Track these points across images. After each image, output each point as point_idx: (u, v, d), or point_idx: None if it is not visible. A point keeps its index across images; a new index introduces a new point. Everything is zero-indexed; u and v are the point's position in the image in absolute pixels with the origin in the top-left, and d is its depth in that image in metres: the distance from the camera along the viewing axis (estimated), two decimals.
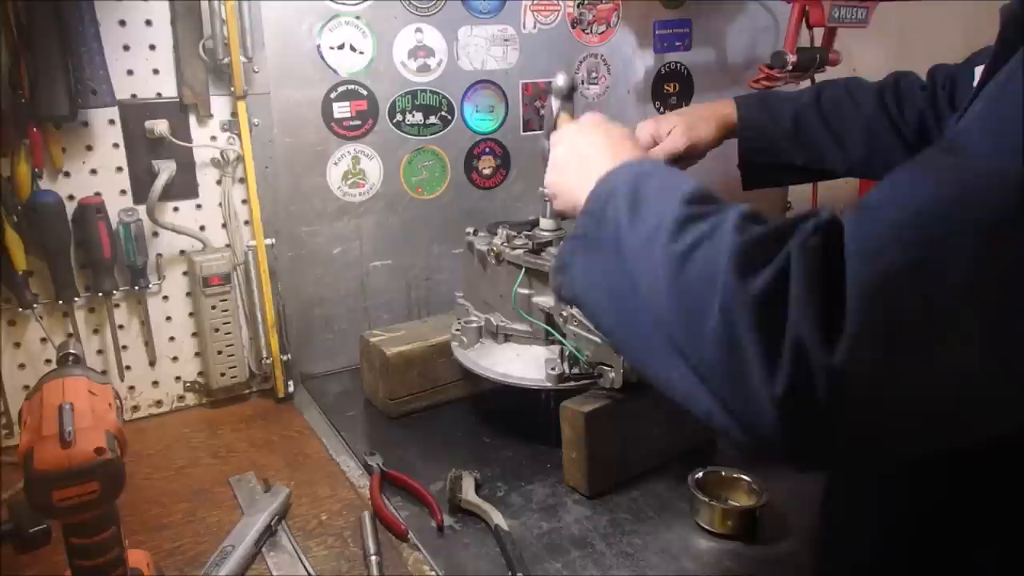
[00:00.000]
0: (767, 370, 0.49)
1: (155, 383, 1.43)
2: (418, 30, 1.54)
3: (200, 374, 1.47)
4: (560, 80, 1.06)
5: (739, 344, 0.50)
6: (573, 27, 1.71)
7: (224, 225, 1.44)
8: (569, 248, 0.73)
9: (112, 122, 1.30)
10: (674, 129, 1.21)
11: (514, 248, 1.26)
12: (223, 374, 1.44)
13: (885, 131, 1.18)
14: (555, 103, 1.08)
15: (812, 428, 0.49)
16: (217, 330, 1.42)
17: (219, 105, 1.39)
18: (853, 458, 0.54)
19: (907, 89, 1.19)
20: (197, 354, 1.46)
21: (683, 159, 1.22)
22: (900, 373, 0.47)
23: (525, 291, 1.24)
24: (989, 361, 0.47)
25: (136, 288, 1.36)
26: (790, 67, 1.60)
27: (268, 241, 1.44)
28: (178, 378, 1.45)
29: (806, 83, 1.65)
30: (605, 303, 0.68)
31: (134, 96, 1.32)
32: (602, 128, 0.90)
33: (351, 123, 1.52)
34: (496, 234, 1.30)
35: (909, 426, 0.49)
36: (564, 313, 1.15)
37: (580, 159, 0.85)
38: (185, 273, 1.42)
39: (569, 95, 1.07)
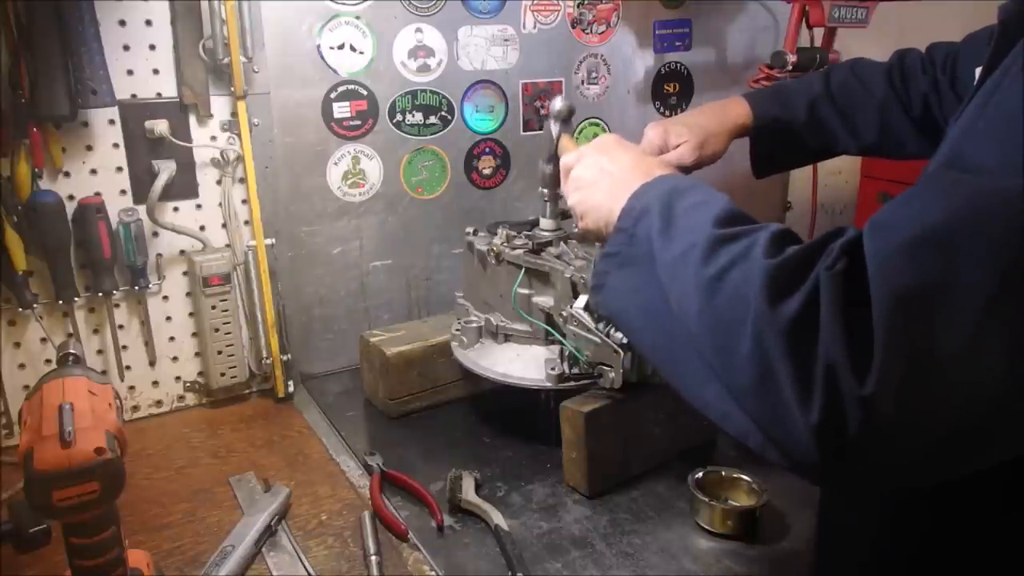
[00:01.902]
0: (801, 397, 0.50)
1: (155, 383, 1.43)
2: (418, 30, 1.54)
3: (200, 374, 1.47)
4: (558, 104, 1.07)
5: (772, 370, 0.51)
6: (573, 27, 1.71)
7: (224, 225, 1.44)
8: (604, 267, 0.74)
9: (112, 122, 1.30)
10: (684, 144, 1.17)
11: (514, 248, 1.26)
12: (223, 374, 1.44)
13: (895, 112, 1.18)
14: (554, 127, 1.08)
15: (846, 454, 0.50)
16: (217, 330, 1.42)
17: (219, 105, 1.39)
18: (888, 480, 0.55)
19: (911, 69, 1.19)
20: (197, 354, 1.46)
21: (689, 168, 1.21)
22: (928, 396, 0.47)
23: (525, 291, 1.24)
24: (1015, 377, 0.47)
25: (136, 288, 1.36)
26: (790, 67, 1.60)
27: (268, 241, 1.44)
28: (178, 378, 1.45)
29: None
30: (640, 321, 0.70)
31: (134, 96, 1.32)
32: (623, 146, 0.91)
33: (351, 123, 1.52)
34: (496, 234, 1.30)
35: (941, 447, 0.50)
36: (564, 313, 1.15)
37: (608, 176, 0.84)
38: (185, 273, 1.42)
39: (568, 118, 1.08)
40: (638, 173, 0.79)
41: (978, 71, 0.65)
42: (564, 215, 1.25)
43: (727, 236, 0.60)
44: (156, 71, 1.32)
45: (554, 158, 1.11)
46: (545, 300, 1.22)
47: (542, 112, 1.70)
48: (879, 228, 0.51)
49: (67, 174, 1.29)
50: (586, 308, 1.12)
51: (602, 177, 0.85)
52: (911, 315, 0.47)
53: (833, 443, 0.50)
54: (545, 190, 1.22)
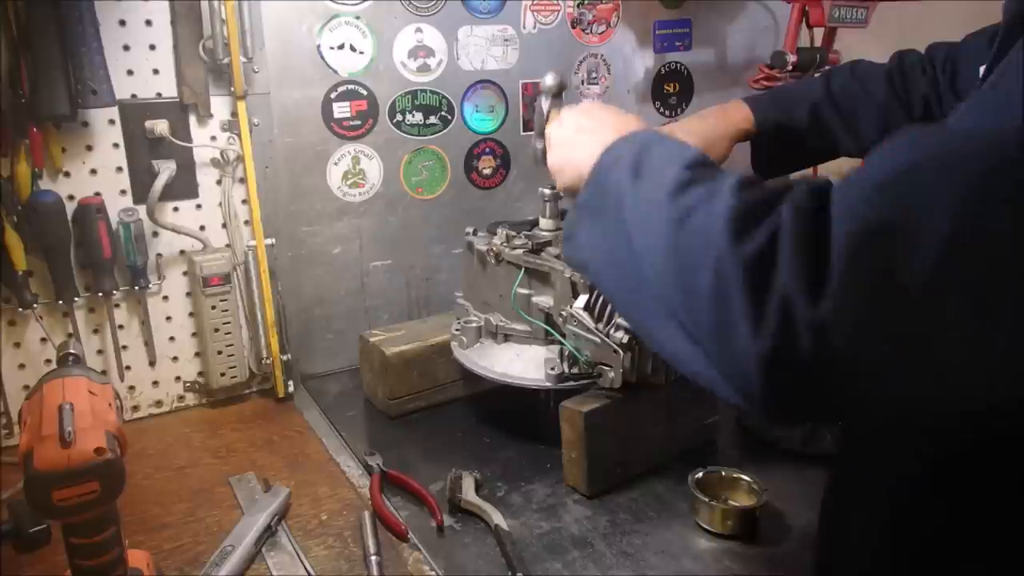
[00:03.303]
0: (754, 326, 0.50)
1: (155, 383, 1.43)
2: (418, 30, 1.54)
3: (200, 374, 1.47)
4: (549, 79, 1.06)
5: (728, 302, 0.52)
6: (573, 27, 1.71)
7: (224, 225, 1.44)
8: (575, 217, 0.75)
9: (112, 122, 1.30)
10: None
11: (514, 248, 1.26)
12: (223, 374, 1.44)
13: (896, 114, 1.19)
14: (545, 102, 1.08)
15: (795, 383, 0.51)
16: (217, 330, 1.42)
17: (219, 105, 1.39)
18: (832, 414, 0.57)
19: (911, 70, 1.19)
20: (197, 354, 1.46)
21: None
22: (880, 329, 0.48)
23: (525, 291, 1.24)
24: (969, 321, 0.47)
25: (136, 288, 1.36)
26: (790, 67, 1.60)
27: (268, 241, 1.44)
28: (178, 378, 1.45)
29: None
30: (606, 266, 0.70)
31: (134, 96, 1.32)
32: (603, 107, 0.92)
33: (351, 123, 1.52)
34: (496, 234, 1.30)
35: (889, 384, 0.50)
36: (564, 313, 1.15)
37: (585, 133, 0.85)
38: (185, 273, 1.42)
39: (559, 93, 1.07)
40: (614, 129, 0.79)
41: (982, 70, 0.65)
42: (564, 215, 1.25)
43: (695, 178, 0.61)
44: (156, 71, 1.32)
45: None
46: (545, 300, 1.22)
47: None
48: (855, 172, 0.52)
49: (67, 174, 1.29)
50: (586, 308, 1.12)
51: (579, 135, 0.86)
52: (872, 249, 0.48)
53: (781, 371, 0.50)
54: (546, 189, 1.21)
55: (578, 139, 0.85)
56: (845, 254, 0.48)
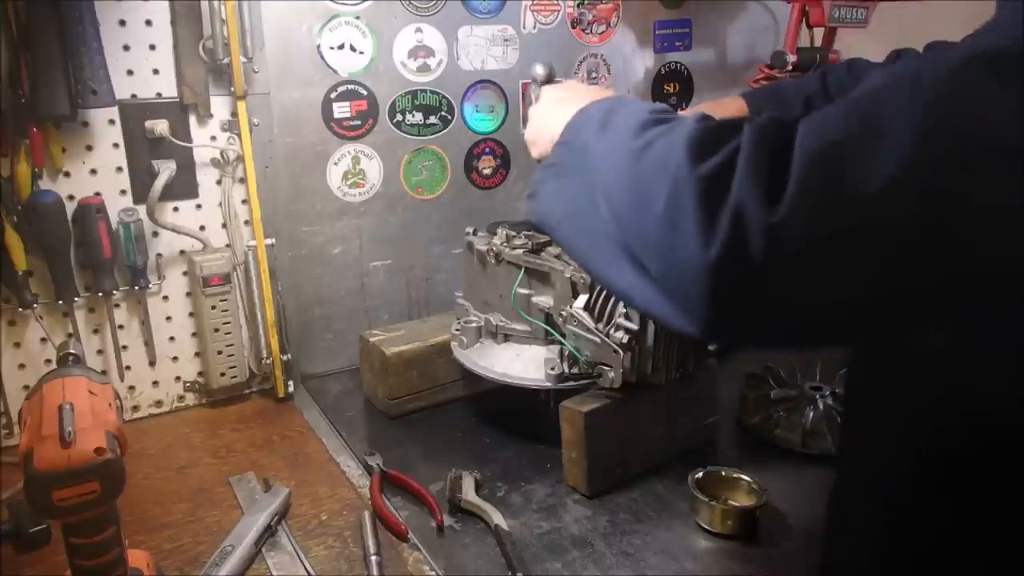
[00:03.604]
0: (704, 235, 0.50)
1: (155, 383, 1.43)
2: (418, 30, 1.54)
3: (200, 374, 1.47)
4: (539, 68, 1.07)
5: (681, 217, 0.52)
6: (573, 27, 1.71)
7: (224, 225, 1.44)
8: (541, 176, 0.76)
9: (112, 122, 1.30)
10: None
11: (513, 248, 1.26)
12: (223, 374, 1.44)
13: None
14: (534, 92, 1.08)
15: (739, 290, 0.51)
16: (217, 330, 1.42)
17: (219, 105, 1.39)
18: (771, 332, 0.56)
19: None
20: (197, 354, 1.46)
21: None
22: (834, 234, 0.48)
23: (524, 291, 1.24)
24: (925, 230, 0.47)
25: (136, 288, 1.36)
26: (790, 67, 1.60)
27: (268, 241, 1.44)
28: (178, 378, 1.45)
29: None
30: (565, 216, 0.71)
31: (134, 96, 1.32)
32: (582, 84, 0.94)
33: (351, 123, 1.52)
34: (496, 234, 1.30)
35: (837, 296, 0.50)
36: (564, 313, 1.15)
37: (560, 104, 0.85)
38: (185, 273, 1.42)
39: (548, 82, 1.07)
40: (587, 97, 0.80)
41: None
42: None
43: (659, 118, 0.61)
44: (156, 71, 1.32)
45: None
46: (544, 300, 1.22)
47: None
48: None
49: (67, 174, 1.29)
50: (586, 308, 1.12)
51: (555, 107, 0.86)
52: (833, 157, 0.48)
53: (727, 276, 0.50)
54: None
55: (553, 109, 0.86)
56: (805, 161, 0.48)
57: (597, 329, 1.10)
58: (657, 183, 0.55)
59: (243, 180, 1.42)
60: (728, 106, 1.23)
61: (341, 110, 1.50)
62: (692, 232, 0.51)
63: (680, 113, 1.27)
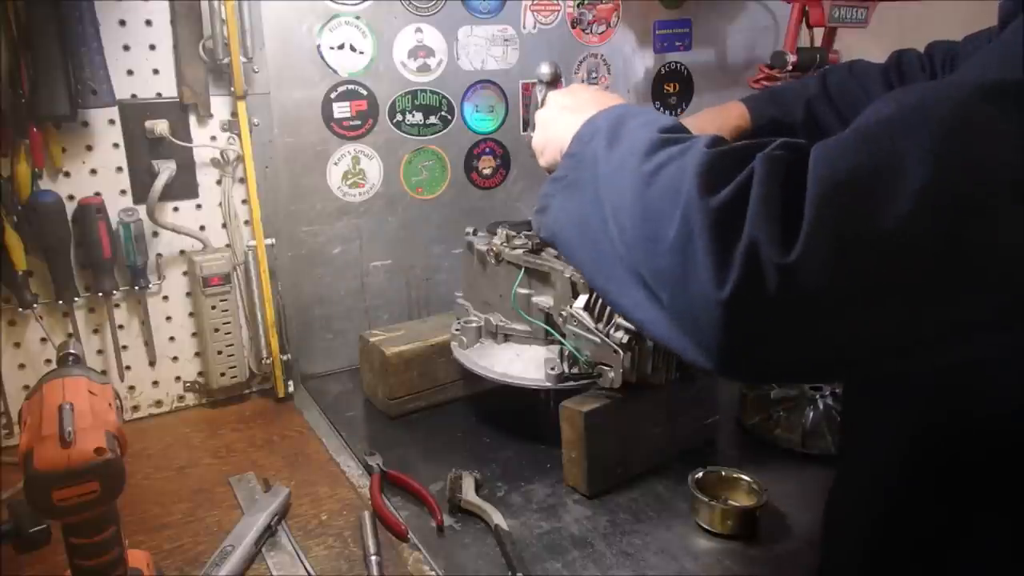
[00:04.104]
0: (717, 272, 0.49)
1: (155, 383, 1.43)
2: (418, 30, 1.54)
3: (200, 374, 1.47)
4: (544, 68, 1.07)
5: (693, 249, 0.51)
6: (573, 27, 1.71)
7: (224, 225, 1.44)
8: (549, 190, 0.75)
9: (112, 122, 1.30)
10: None
11: (514, 248, 1.26)
12: (223, 374, 1.44)
13: None
14: (540, 91, 1.08)
15: (754, 330, 0.50)
16: (217, 330, 1.42)
17: (219, 105, 1.39)
18: (786, 369, 0.55)
19: (908, 68, 1.19)
20: (197, 354, 1.46)
21: None
22: (850, 272, 0.47)
23: (525, 291, 1.24)
24: (942, 269, 0.47)
25: (136, 288, 1.36)
26: (790, 67, 1.60)
27: (268, 241, 1.44)
28: (178, 378, 1.45)
29: None
30: (576, 236, 0.70)
31: (134, 96, 1.32)
32: (588, 88, 0.93)
33: (351, 123, 1.52)
34: (496, 234, 1.30)
35: (849, 335, 0.49)
36: (564, 313, 1.15)
37: (566, 111, 0.85)
38: (185, 273, 1.42)
39: (553, 83, 1.07)
40: (595, 106, 0.79)
41: None
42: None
43: (669, 139, 0.60)
44: (156, 71, 1.32)
45: None
46: (545, 300, 1.22)
47: None
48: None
49: (67, 174, 1.29)
50: (586, 308, 1.12)
51: (561, 113, 0.86)
52: (847, 194, 0.47)
53: (742, 316, 0.49)
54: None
55: (560, 117, 0.85)
56: (819, 198, 0.47)
57: (597, 329, 1.10)
58: (667, 213, 0.54)
59: (243, 180, 1.42)
60: (730, 111, 1.23)
61: (341, 110, 1.50)
62: (704, 267, 0.50)
63: (685, 120, 1.28)
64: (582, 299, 1.13)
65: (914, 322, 0.48)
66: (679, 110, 1.91)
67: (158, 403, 1.44)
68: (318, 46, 1.46)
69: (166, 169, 1.33)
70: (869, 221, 0.46)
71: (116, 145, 1.32)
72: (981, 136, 0.46)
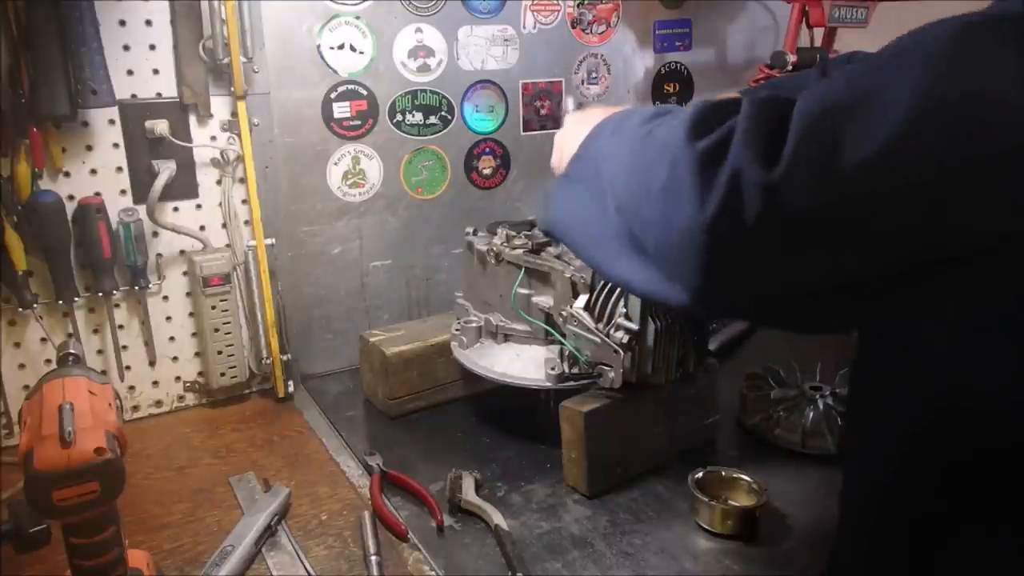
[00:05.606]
0: (700, 200, 0.50)
1: (155, 383, 1.43)
2: (418, 30, 1.54)
3: (200, 374, 1.47)
4: (570, 104, 1.08)
5: (679, 187, 0.52)
6: (573, 27, 1.71)
7: (224, 225, 1.44)
8: (553, 186, 0.78)
9: (112, 122, 1.30)
10: None
11: (514, 248, 1.26)
12: (223, 374, 1.44)
13: None
14: None
15: (735, 253, 0.50)
16: (217, 330, 1.42)
17: (219, 105, 1.39)
18: (767, 303, 0.55)
19: None
20: (197, 354, 1.46)
21: None
22: (833, 199, 0.47)
23: (525, 291, 1.24)
24: (929, 196, 0.47)
25: (136, 288, 1.36)
26: (790, 67, 1.60)
27: (268, 241, 1.44)
28: (178, 378, 1.45)
29: None
30: (574, 220, 0.73)
31: (134, 96, 1.32)
32: (602, 107, 0.95)
33: (351, 123, 1.52)
34: (496, 234, 1.30)
35: (833, 265, 0.50)
36: (564, 313, 1.15)
37: (578, 123, 0.86)
38: (185, 273, 1.42)
39: None
40: (604, 115, 0.81)
41: None
42: None
43: (668, 110, 0.63)
44: (156, 71, 1.32)
45: None
46: (545, 300, 1.22)
47: (542, 112, 1.70)
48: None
49: (67, 174, 1.29)
50: (586, 308, 1.12)
51: (574, 127, 0.88)
52: (831, 120, 0.48)
53: (725, 238, 0.50)
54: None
55: (573, 130, 0.87)
56: (804, 123, 0.48)
57: (597, 329, 1.10)
58: (658, 163, 0.55)
59: (243, 180, 1.42)
60: None
61: (341, 110, 1.50)
62: (689, 200, 0.51)
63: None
64: (582, 299, 1.13)
65: (894, 249, 0.48)
66: None
67: (158, 403, 1.44)
68: (318, 46, 1.46)
69: (166, 169, 1.33)
70: (850, 145, 0.47)
71: (116, 145, 1.32)
72: (974, 66, 0.46)
